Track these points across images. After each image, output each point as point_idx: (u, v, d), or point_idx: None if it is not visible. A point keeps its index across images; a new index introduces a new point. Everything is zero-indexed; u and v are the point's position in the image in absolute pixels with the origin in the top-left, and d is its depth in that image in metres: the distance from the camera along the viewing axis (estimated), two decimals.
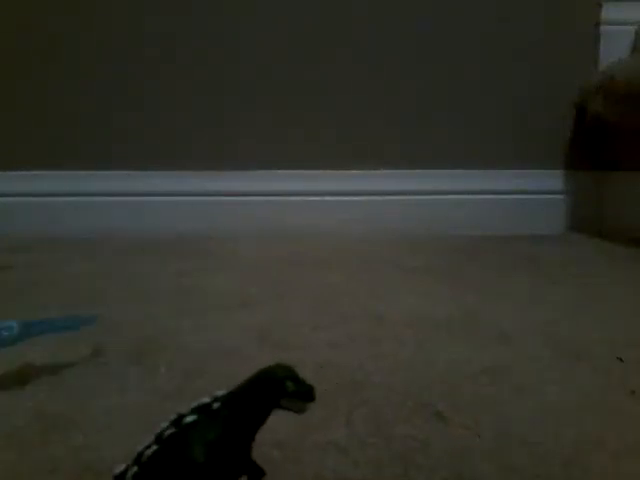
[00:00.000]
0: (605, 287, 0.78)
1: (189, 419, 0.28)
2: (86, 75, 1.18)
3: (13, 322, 0.44)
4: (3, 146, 1.19)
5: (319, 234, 1.16)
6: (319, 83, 1.20)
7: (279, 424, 0.40)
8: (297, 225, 1.19)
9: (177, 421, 0.28)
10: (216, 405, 0.28)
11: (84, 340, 0.54)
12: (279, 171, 1.21)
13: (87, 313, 0.57)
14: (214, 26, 1.17)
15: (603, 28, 1.19)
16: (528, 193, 1.22)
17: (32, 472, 0.34)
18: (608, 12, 1.18)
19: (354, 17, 1.18)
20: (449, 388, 0.45)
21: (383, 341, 0.56)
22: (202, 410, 0.28)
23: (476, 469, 0.34)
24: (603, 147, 1.22)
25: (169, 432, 0.27)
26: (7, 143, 1.19)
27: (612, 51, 1.16)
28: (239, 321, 0.62)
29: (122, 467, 0.28)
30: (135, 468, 0.27)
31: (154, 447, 0.27)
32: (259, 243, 1.10)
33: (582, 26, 1.20)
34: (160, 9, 1.17)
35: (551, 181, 1.23)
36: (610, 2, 1.18)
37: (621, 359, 0.51)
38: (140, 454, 0.27)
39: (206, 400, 0.29)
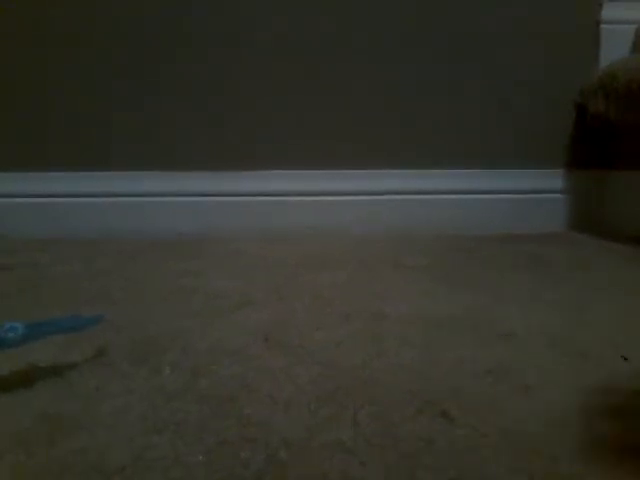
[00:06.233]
0: (607, 286, 0.79)
1: None
2: (86, 75, 1.18)
3: (18, 323, 0.43)
4: (3, 146, 1.19)
5: (319, 234, 1.16)
6: (319, 83, 1.19)
7: (286, 424, 0.40)
8: (297, 225, 1.19)
9: None
10: None
11: (88, 341, 0.54)
12: (279, 171, 1.21)
13: (89, 314, 0.57)
14: (214, 25, 1.17)
15: (604, 27, 1.19)
16: (528, 192, 1.22)
17: (38, 473, 0.34)
18: (609, 11, 1.18)
19: (354, 16, 1.18)
20: (454, 387, 0.45)
21: (386, 340, 0.56)
22: None
23: (482, 468, 0.34)
24: (604, 146, 1.22)
25: None
26: (7, 143, 1.19)
27: (613, 50, 1.16)
28: (242, 321, 0.62)
29: None
30: None
31: None
32: (260, 243, 1.10)
33: (582, 25, 1.19)
34: (160, 8, 1.16)
35: (552, 180, 1.22)
36: (611, 1, 1.18)
37: (625, 358, 0.51)
38: None
39: None
